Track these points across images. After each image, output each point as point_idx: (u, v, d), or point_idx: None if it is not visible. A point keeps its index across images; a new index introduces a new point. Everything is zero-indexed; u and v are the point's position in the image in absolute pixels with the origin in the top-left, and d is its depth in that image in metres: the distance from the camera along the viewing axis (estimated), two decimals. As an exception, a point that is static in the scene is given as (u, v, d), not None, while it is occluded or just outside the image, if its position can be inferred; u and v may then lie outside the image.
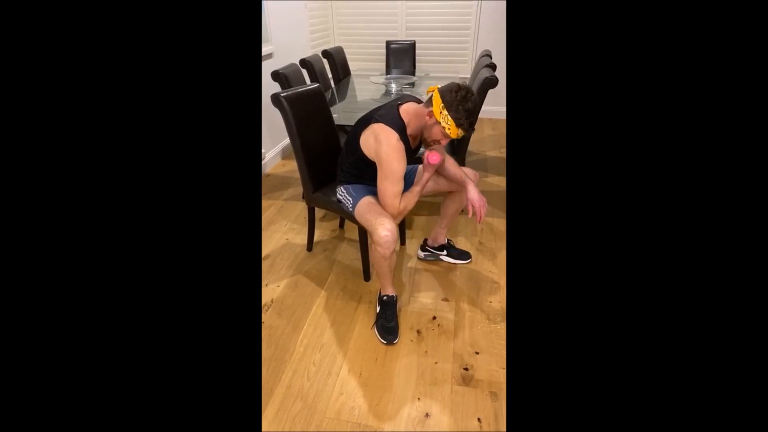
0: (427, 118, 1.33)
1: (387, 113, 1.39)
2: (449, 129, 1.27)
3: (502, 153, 3.22)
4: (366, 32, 4.09)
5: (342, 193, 1.58)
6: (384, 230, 1.34)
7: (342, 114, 2.19)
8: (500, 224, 2.22)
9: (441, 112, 1.27)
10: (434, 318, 1.58)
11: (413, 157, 1.56)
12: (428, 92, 1.33)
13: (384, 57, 3.82)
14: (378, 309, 1.57)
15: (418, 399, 1.26)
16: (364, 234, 1.71)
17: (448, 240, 1.92)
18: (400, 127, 1.37)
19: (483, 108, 2.02)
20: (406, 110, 1.40)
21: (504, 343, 1.46)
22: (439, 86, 1.31)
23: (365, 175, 1.51)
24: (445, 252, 1.90)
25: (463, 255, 1.90)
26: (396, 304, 1.57)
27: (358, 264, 1.89)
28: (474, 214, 1.48)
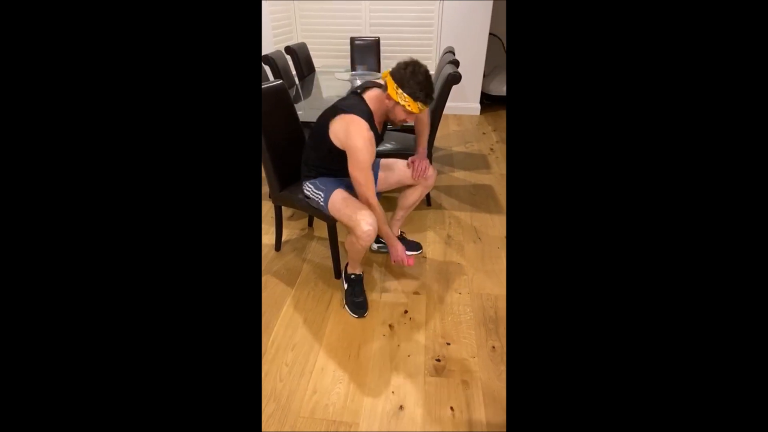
0: (387, 101, 1.37)
1: (355, 104, 1.41)
2: (409, 105, 1.33)
3: (467, 148, 3.29)
4: (330, 28, 4.04)
5: (309, 188, 1.57)
6: (366, 225, 1.36)
7: (307, 111, 2.16)
8: (468, 218, 2.26)
9: (396, 92, 1.32)
10: (406, 312, 1.60)
11: (378, 142, 1.59)
12: (383, 78, 1.39)
13: (348, 53, 3.79)
14: (346, 286, 1.63)
15: (392, 392, 1.27)
16: (334, 232, 1.70)
17: (401, 232, 1.95)
18: (368, 116, 1.40)
19: (447, 104, 2.05)
20: (371, 97, 1.43)
21: (473, 332, 1.50)
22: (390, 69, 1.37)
23: (337, 167, 1.49)
24: None
25: (414, 246, 1.94)
26: (362, 280, 1.64)
27: (329, 262, 1.87)
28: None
